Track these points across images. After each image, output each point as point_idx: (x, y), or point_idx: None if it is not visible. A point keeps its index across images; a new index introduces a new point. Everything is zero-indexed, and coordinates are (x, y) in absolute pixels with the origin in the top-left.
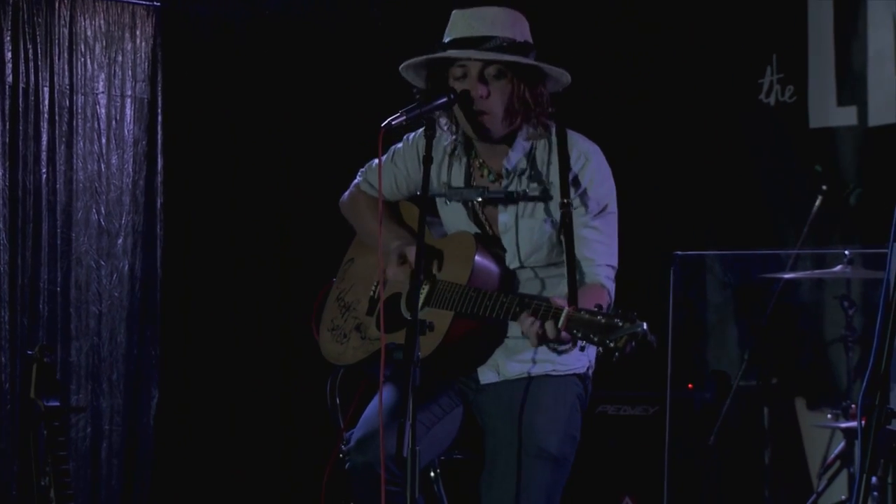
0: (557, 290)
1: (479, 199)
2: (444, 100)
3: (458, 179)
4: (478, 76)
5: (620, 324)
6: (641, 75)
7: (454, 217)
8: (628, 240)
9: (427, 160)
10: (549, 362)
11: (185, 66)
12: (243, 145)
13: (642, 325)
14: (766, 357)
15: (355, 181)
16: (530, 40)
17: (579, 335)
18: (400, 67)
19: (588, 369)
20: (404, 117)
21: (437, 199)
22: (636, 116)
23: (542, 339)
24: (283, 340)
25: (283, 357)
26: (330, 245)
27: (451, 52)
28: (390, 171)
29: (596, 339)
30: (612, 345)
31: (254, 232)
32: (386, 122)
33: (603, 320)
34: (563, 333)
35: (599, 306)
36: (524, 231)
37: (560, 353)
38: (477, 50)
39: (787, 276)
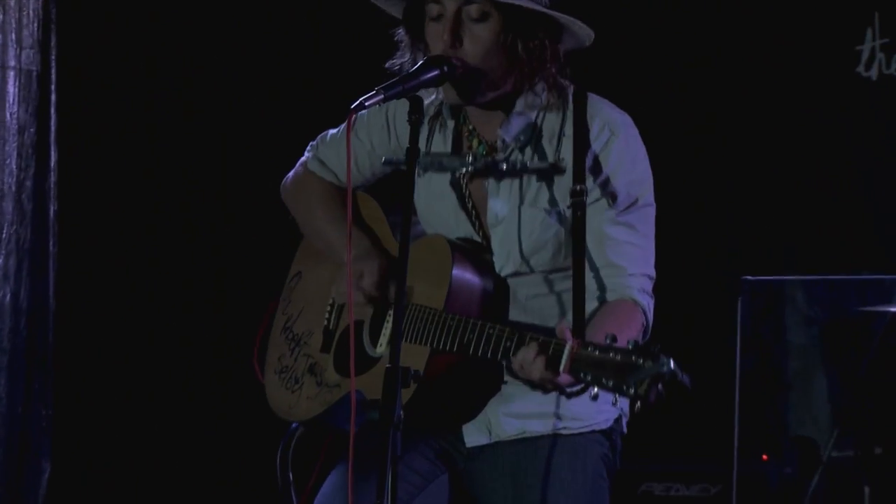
0: (566, 315)
1: (466, 171)
2: (436, 73)
3: (439, 148)
4: (453, 17)
5: (640, 362)
6: (699, 43)
7: (433, 198)
8: (681, 260)
9: (412, 152)
10: (557, 417)
11: (87, 29)
12: (163, 133)
13: (668, 363)
14: (867, 418)
15: (303, 157)
16: None
17: (588, 378)
18: None
19: (616, 422)
20: (382, 96)
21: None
22: (695, 96)
23: (539, 386)
24: (216, 389)
25: (217, 412)
26: (275, 253)
27: None
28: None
29: (610, 384)
30: (631, 391)
31: (176, 246)
32: (357, 101)
33: (618, 358)
34: (566, 377)
35: (614, 337)
36: (523, 224)
37: (569, 396)
38: None
39: (894, 309)
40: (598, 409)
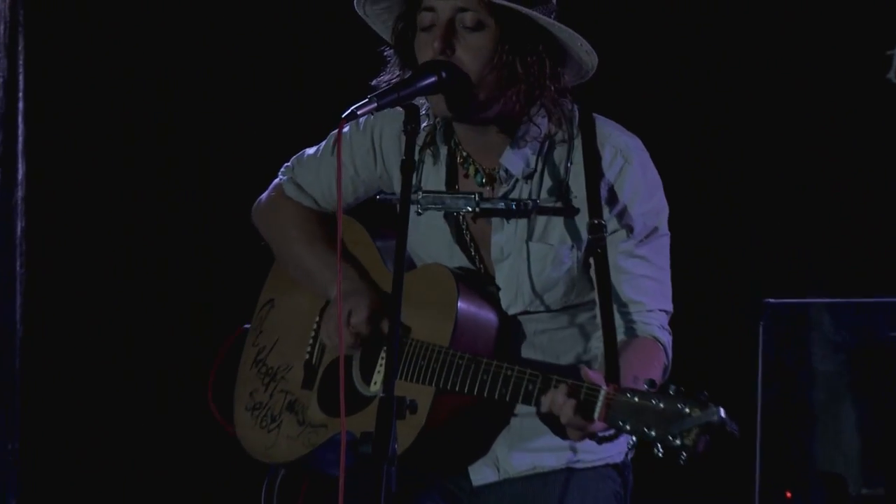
0: (580, 350)
1: (470, 210)
2: (433, 80)
3: (434, 181)
4: (445, 24)
5: (687, 410)
6: (720, 53)
7: (429, 236)
8: (697, 283)
9: (408, 166)
10: (571, 450)
11: (58, 32)
12: (140, 143)
13: (718, 412)
14: None
15: (277, 180)
16: None
17: (627, 427)
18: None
19: (627, 455)
20: (375, 104)
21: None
22: (714, 104)
23: (571, 435)
24: (191, 421)
25: (193, 447)
26: (248, 278)
27: None
28: (329, 166)
29: (654, 434)
30: (677, 442)
31: (152, 267)
32: (349, 110)
33: (661, 405)
34: (600, 425)
35: (652, 382)
36: (531, 261)
37: (601, 441)
38: None
39: None
40: (612, 441)
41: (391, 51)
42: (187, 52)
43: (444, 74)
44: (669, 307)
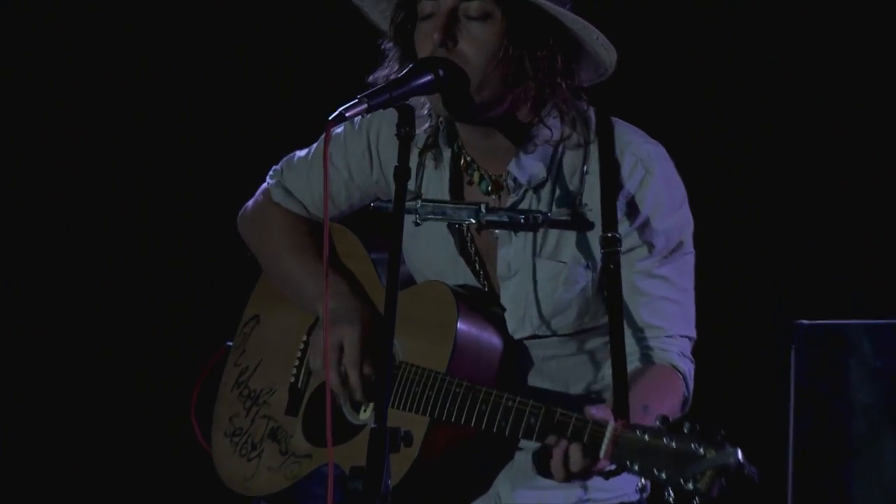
0: (591, 379)
1: (473, 222)
2: (429, 78)
3: (435, 187)
4: (447, 13)
5: (702, 451)
6: (748, 65)
7: (430, 249)
8: (723, 302)
9: (401, 173)
10: (582, 488)
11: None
12: (122, 152)
13: (735, 453)
14: None
15: (265, 185)
16: None
17: (636, 467)
18: None
19: (643, 492)
20: (365, 105)
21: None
22: (741, 118)
23: (574, 476)
24: (175, 446)
25: (176, 474)
26: (227, 292)
27: None
28: (321, 170)
29: (664, 477)
30: (690, 486)
31: (131, 275)
32: (336, 112)
33: (674, 445)
34: (605, 464)
35: (665, 418)
36: (541, 279)
37: (607, 476)
38: None
39: None
40: (627, 478)
41: (390, 43)
42: (168, 53)
43: (441, 72)
44: (692, 333)
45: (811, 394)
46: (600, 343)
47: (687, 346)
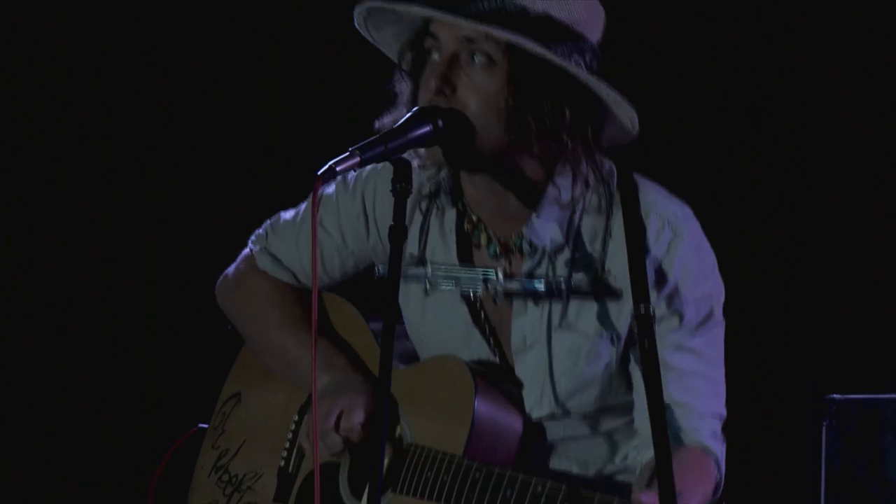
0: (608, 460)
1: (490, 290)
2: (427, 129)
3: (441, 252)
4: (448, 59)
5: None
6: (772, 111)
7: (440, 320)
8: (751, 376)
9: (398, 232)
10: None
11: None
12: (74, 165)
13: None
14: None
15: (246, 251)
16: (588, 34)
17: None
18: (356, 10)
19: None
20: (357, 159)
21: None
22: (773, 171)
23: None
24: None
25: None
26: (207, 368)
27: (402, 6)
28: (309, 235)
29: None
30: None
31: (93, 346)
32: (326, 166)
33: None
34: None
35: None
36: (560, 353)
37: None
38: (452, 13)
39: None
40: None
41: (399, 83)
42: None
43: (440, 123)
44: (723, 411)
45: (844, 474)
46: (621, 423)
47: (718, 425)
